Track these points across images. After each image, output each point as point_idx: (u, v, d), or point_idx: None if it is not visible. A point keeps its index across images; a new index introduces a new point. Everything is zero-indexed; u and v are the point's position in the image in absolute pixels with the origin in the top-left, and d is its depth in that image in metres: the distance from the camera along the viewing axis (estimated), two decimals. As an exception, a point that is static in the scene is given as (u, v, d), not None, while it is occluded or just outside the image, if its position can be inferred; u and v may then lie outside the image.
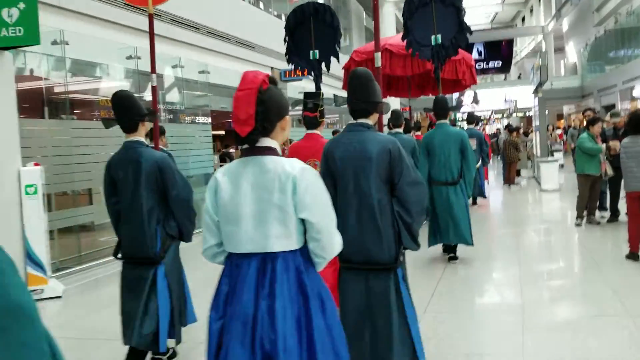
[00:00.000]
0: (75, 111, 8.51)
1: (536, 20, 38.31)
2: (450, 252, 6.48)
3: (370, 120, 3.08)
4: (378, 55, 4.10)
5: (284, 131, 2.16)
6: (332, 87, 16.88)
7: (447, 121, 6.49)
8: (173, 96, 10.22)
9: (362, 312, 2.99)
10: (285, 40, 7.19)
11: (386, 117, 7.86)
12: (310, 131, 4.32)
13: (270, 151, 2.09)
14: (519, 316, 4.45)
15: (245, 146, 2.11)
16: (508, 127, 15.06)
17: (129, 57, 8.42)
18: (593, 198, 8.05)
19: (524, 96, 29.59)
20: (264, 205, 2.04)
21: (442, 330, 4.22)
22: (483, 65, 39.50)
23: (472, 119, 12.46)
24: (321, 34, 6.90)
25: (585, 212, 8.07)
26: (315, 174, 2.11)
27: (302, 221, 2.07)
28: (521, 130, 16.27)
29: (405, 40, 7.24)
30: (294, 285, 2.05)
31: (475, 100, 28.00)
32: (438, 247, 6.66)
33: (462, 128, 11.78)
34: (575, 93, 28.74)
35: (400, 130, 7.86)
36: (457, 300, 4.99)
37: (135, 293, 3.52)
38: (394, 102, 19.02)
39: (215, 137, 18.10)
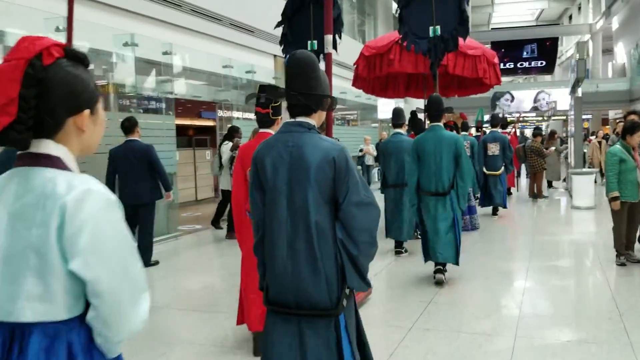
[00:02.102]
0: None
1: (584, 18, 36.09)
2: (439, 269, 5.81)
3: (314, 120, 2.39)
4: (329, 38, 3.44)
5: (82, 133, 1.41)
6: (343, 77, 15.43)
7: (440, 123, 5.66)
8: (125, 80, 8.84)
9: None
10: (279, 26, 6.78)
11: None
12: (262, 130, 3.92)
13: (47, 161, 1.35)
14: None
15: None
16: (535, 131, 13.27)
17: (58, 30, 7.10)
18: (632, 228, 6.35)
19: (565, 98, 27.60)
20: (18, 244, 1.30)
21: None
22: (525, 64, 37.57)
23: (496, 121, 11.32)
24: (321, 23, 6.29)
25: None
26: (108, 201, 1.35)
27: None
28: (556, 135, 14.27)
29: (400, 32, 6.66)
30: None
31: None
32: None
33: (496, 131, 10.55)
34: (622, 97, 26.79)
35: (401, 130, 7.19)
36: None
37: None
38: (416, 104, 17.44)
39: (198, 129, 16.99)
